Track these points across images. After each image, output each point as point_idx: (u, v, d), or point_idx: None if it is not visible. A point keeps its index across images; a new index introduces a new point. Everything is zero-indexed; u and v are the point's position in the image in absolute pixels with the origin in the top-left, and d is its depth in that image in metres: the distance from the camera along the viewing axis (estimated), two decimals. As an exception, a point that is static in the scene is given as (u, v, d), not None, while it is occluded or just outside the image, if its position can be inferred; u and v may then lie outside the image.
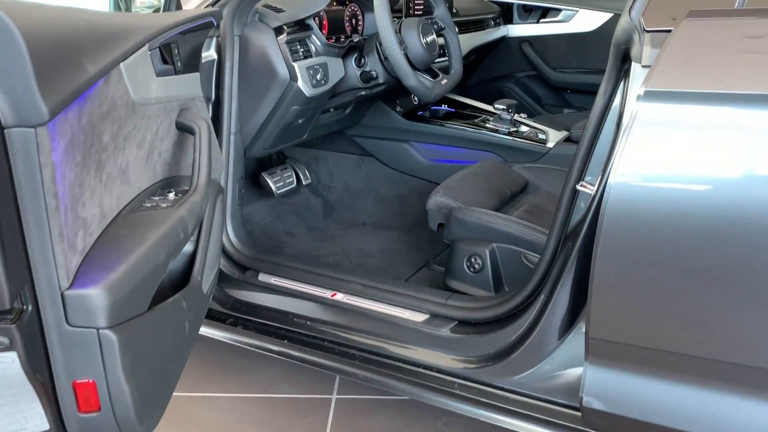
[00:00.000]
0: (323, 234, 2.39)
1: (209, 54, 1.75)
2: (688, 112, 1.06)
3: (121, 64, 0.97)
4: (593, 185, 1.31)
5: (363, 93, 2.00)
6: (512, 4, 3.11)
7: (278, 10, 1.80)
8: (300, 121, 1.94)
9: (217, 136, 1.79)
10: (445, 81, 1.98)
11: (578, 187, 1.32)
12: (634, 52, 1.20)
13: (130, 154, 1.08)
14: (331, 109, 2.15)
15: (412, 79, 1.80)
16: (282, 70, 1.75)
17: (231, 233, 1.87)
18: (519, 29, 3.11)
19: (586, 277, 1.20)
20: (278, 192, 2.33)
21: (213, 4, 1.68)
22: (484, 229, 1.68)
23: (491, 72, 3.23)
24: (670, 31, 1.12)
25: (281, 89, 1.77)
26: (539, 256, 1.48)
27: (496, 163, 2.07)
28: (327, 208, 2.54)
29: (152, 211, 1.07)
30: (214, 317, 1.78)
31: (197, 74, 1.42)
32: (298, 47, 1.81)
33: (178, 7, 1.51)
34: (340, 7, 2.07)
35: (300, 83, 1.76)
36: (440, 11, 2.06)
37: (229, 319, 1.77)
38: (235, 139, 1.83)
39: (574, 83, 3.03)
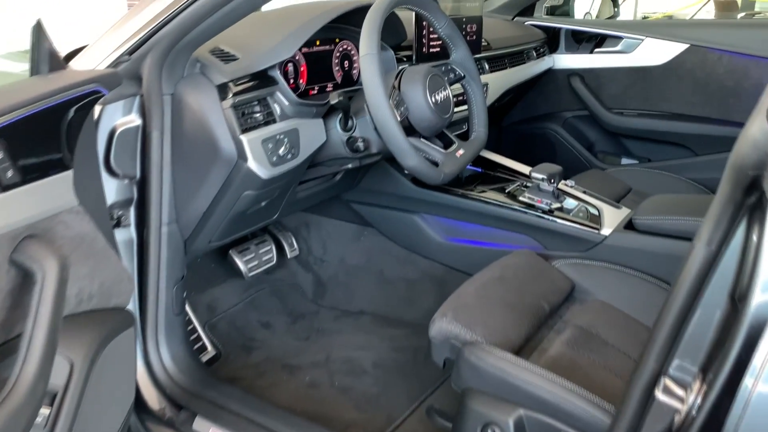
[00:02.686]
0: (308, 326, 1.89)
1: (130, 119, 1.26)
2: None
3: None
4: (685, 391, 0.77)
5: (350, 165, 1.49)
6: (559, 29, 2.54)
7: (229, 58, 1.30)
8: (263, 203, 1.44)
9: (143, 227, 1.32)
10: (461, 152, 1.45)
11: (660, 397, 0.78)
12: (775, 186, 0.66)
13: None
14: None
15: (411, 158, 1.27)
16: (226, 145, 1.25)
17: (165, 355, 1.39)
18: (568, 60, 2.55)
19: None
20: (250, 274, 1.84)
21: (130, 53, 1.19)
22: (508, 387, 1.14)
23: (533, 110, 2.67)
24: None
25: (226, 170, 1.28)
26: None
27: (530, 259, 1.53)
28: (318, 287, 2.04)
29: None
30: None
31: (65, 175, 0.93)
32: (256, 109, 1.31)
33: (55, 66, 1.02)
34: (327, 46, 1.56)
35: (251, 163, 1.25)
36: (459, 54, 1.52)
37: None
38: (170, 230, 1.34)
39: (635, 128, 2.44)
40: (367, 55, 1.23)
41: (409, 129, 1.38)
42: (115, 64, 1.20)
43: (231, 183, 1.29)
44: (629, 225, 1.63)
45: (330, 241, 2.04)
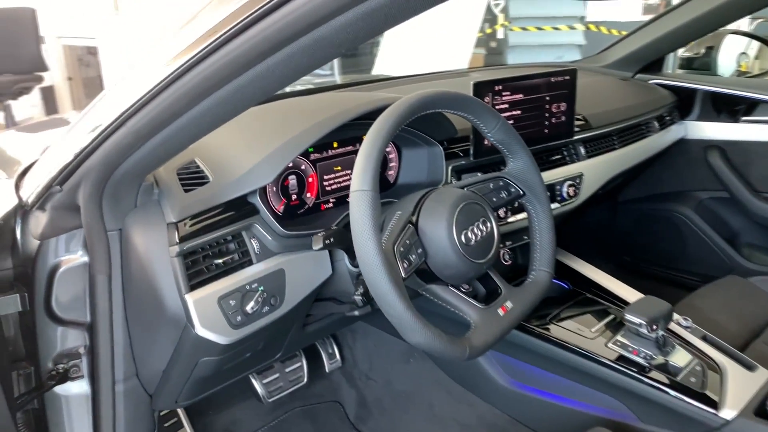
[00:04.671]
0: (340, 465, 1.56)
1: (75, 256, 1.02)
2: None
3: None
4: None
5: (357, 313, 1.13)
6: (695, 91, 2.00)
7: (195, 182, 1.00)
8: (247, 354, 1.13)
9: (94, 383, 1.07)
10: (508, 306, 1.04)
11: None
12: None
13: None
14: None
15: (415, 333, 0.89)
16: (171, 303, 0.95)
17: None
18: (705, 129, 2.00)
19: None
20: (270, 399, 1.55)
21: (61, 183, 0.94)
22: None
23: (657, 186, 2.14)
24: None
25: (176, 333, 0.98)
26: None
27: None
28: (362, 409, 1.70)
29: None
30: None
31: None
32: (230, 248, 1.00)
33: None
34: (349, 147, 1.23)
35: (199, 330, 0.95)
36: (517, 163, 1.12)
37: None
38: (127, 387, 1.07)
39: (796, 222, 1.86)
40: (358, 192, 0.88)
41: (430, 274, 1.01)
42: (46, 195, 0.96)
43: (183, 348, 0.99)
44: (763, 408, 1.13)
45: (377, 356, 1.70)
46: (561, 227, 1.65)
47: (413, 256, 0.95)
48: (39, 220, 0.99)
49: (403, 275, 0.91)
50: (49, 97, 6.03)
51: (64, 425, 1.11)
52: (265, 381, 1.54)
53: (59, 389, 1.08)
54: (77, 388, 1.09)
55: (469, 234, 0.99)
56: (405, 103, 0.95)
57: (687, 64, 2.14)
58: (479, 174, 1.17)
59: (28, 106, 5.64)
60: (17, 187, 1.05)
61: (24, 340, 1.07)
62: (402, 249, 0.93)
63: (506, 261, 1.58)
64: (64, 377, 1.07)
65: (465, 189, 1.07)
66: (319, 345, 1.71)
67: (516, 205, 1.40)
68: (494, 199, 1.10)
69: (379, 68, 6.06)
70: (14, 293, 1.03)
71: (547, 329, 1.35)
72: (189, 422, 1.49)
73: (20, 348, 1.08)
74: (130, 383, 1.08)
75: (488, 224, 1.03)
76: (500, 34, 8.44)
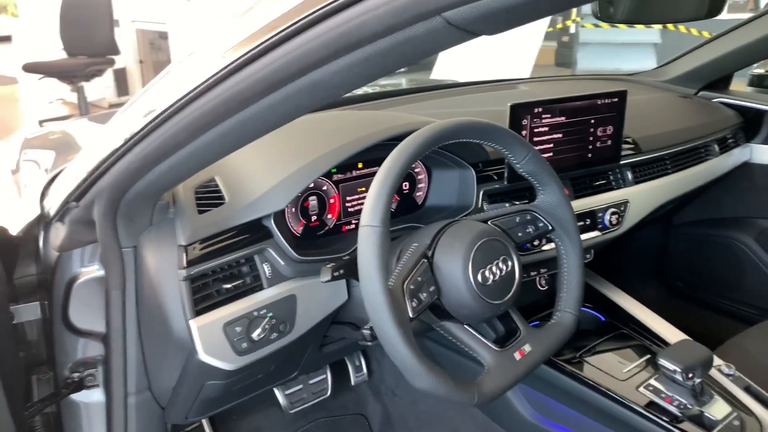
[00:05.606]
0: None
1: (93, 268, 1.03)
2: None
3: None
4: None
5: (370, 343, 1.10)
6: (765, 112, 1.86)
7: (211, 202, 0.99)
8: (259, 376, 1.12)
9: (108, 393, 1.08)
10: (527, 350, 0.99)
11: None
12: None
13: None
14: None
15: (420, 378, 0.85)
16: (177, 327, 0.95)
17: None
18: (772, 152, 1.87)
19: None
20: (292, 410, 1.54)
21: (77, 200, 0.94)
22: None
23: (716, 210, 2.01)
24: None
25: (183, 355, 0.98)
26: None
27: None
28: (386, 426, 1.68)
29: None
30: None
31: None
32: (243, 271, 0.99)
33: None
34: (374, 168, 1.19)
35: (202, 356, 0.94)
36: (547, 197, 1.06)
37: None
38: (140, 400, 1.08)
39: None
40: (367, 228, 0.85)
41: (444, 310, 0.97)
42: (64, 209, 0.97)
43: (188, 370, 0.99)
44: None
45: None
46: (604, 253, 1.58)
47: (424, 294, 0.91)
48: (58, 233, 1.00)
49: (411, 315, 0.87)
50: (121, 79, 6.24)
51: (81, 431, 1.13)
52: (287, 392, 1.54)
53: (77, 396, 1.10)
54: (95, 397, 1.11)
55: (487, 273, 0.94)
56: (425, 134, 0.90)
57: (758, 81, 1.99)
58: (507, 205, 1.11)
59: (101, 87, 5.85)
60: (43, 196, 1.07)
61: (45, 346, 1.10)
62: (413, 286, 0.89)
63: (543, 286, 1.52)
64: (79, 386, 1.09)
65: (488, 222, 1.02)
66: (346, 357, 1.69)
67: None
68: (519, 234, 1.04)
69: (443, 59, 5.95)
70: (36, 301, 1.06)
71: (577, 366, 1.28)
72: (211, 426, 1.50)
73: (42, 354, 1.10)
74: (143, 396, 1.09)
75: (509, 263, 0.98)
76: (572, 29, 8.16)
